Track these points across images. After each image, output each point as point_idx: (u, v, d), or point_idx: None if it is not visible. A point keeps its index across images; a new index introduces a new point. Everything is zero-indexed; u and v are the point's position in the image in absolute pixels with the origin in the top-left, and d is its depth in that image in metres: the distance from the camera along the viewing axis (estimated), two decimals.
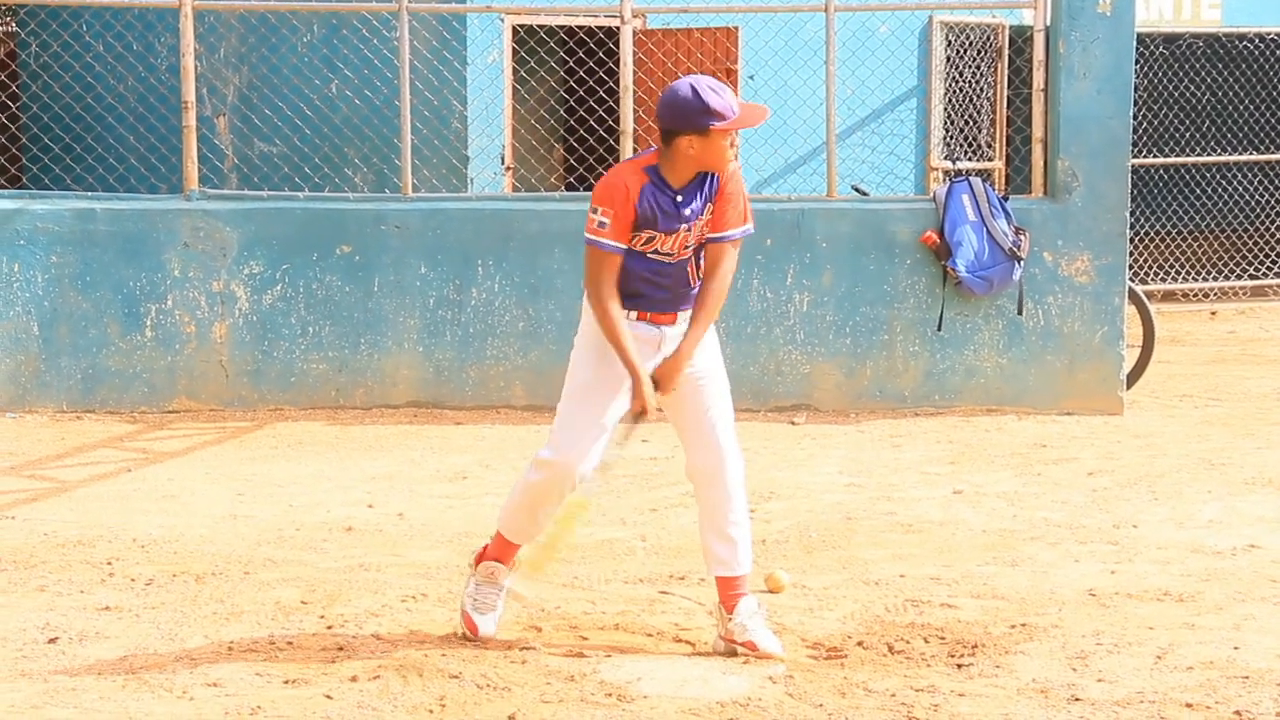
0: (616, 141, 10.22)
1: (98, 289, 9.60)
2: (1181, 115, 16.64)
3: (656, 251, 5.13)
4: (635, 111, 9.96)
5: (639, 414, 5.12)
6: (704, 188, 5.12)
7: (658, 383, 5.14)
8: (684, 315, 5.22)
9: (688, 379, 5.21)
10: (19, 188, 13.95)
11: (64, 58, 12.95)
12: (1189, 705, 4.72)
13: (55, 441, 8.95)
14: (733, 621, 5.22)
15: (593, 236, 5.07)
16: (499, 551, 5.37)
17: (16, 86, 14.84)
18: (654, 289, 5.18)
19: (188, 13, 9.72)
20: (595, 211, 5.06)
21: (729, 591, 5.25)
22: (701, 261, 5.20)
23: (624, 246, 5.07)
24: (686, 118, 4.98)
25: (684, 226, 5.11)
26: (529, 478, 5.24)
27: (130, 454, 8.70)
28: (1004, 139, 14.19)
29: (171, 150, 12.13)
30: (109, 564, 6.34)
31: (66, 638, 5.38)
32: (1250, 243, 16.61)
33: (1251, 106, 16.81)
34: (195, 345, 9.65)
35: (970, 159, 13.82)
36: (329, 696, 4.80)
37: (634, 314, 5.18)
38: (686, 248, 5.15)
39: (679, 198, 5.09)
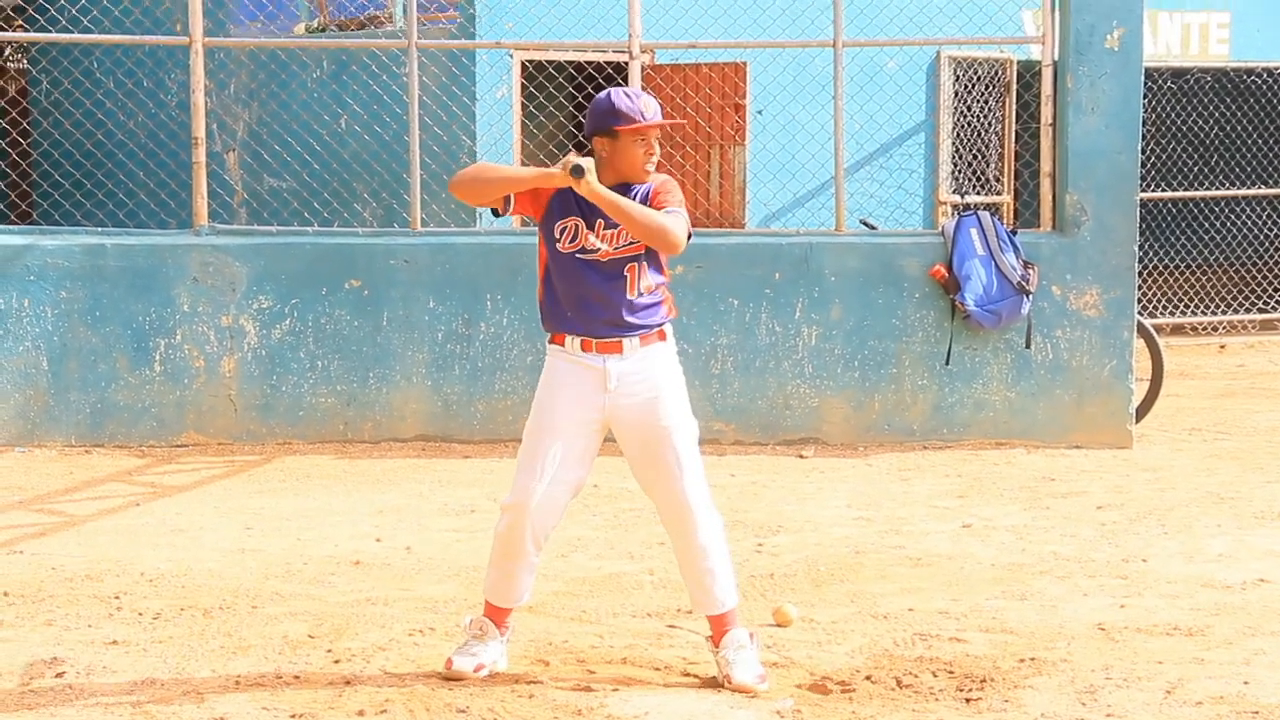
0: None
1: (107, 324, 9.62)
2: (1189, 149, 16.66)
3: (584, 250, 5.12)
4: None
5: (566, 169, 5.01)
6: (631, 195, 5.12)
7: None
8: (630, 345, 5.16)
9: (650, 427, 5.18)
10: (29, 224, 13.99)
11: (75, 94, 13.00)
12: None
13: (64, 476, 8.96)
14: (719, 655, 5.25)
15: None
16: (491, 611, 5.37)
17: (28, 123, 14.90)
18: (590, 305, 5.14)
19: (198, 50, 9.76)
20: None
21: (717, 627, 5.30)
22: (641, 279, 5.17)
23: (509, 196, 5.11)
24: (596, 119, 5.15)
25: (600, 222, 5.10)
26: (496, 528, 5.30)
27: (139, 488, 8.70)
28: (1012, 173, 14.21)
29: (181, 186, 12.17)
30: (117, 598, 6.34)
31: (74, 671, 5.38)
32: (1259, 276, 16.61)
33: (1260, 140, 16.83)
34: (204, 379, 9.66)
35: (978, 193, 13.84)
36: None
37: (577, 342, 5.17)
38: (617, 247, 5.12)
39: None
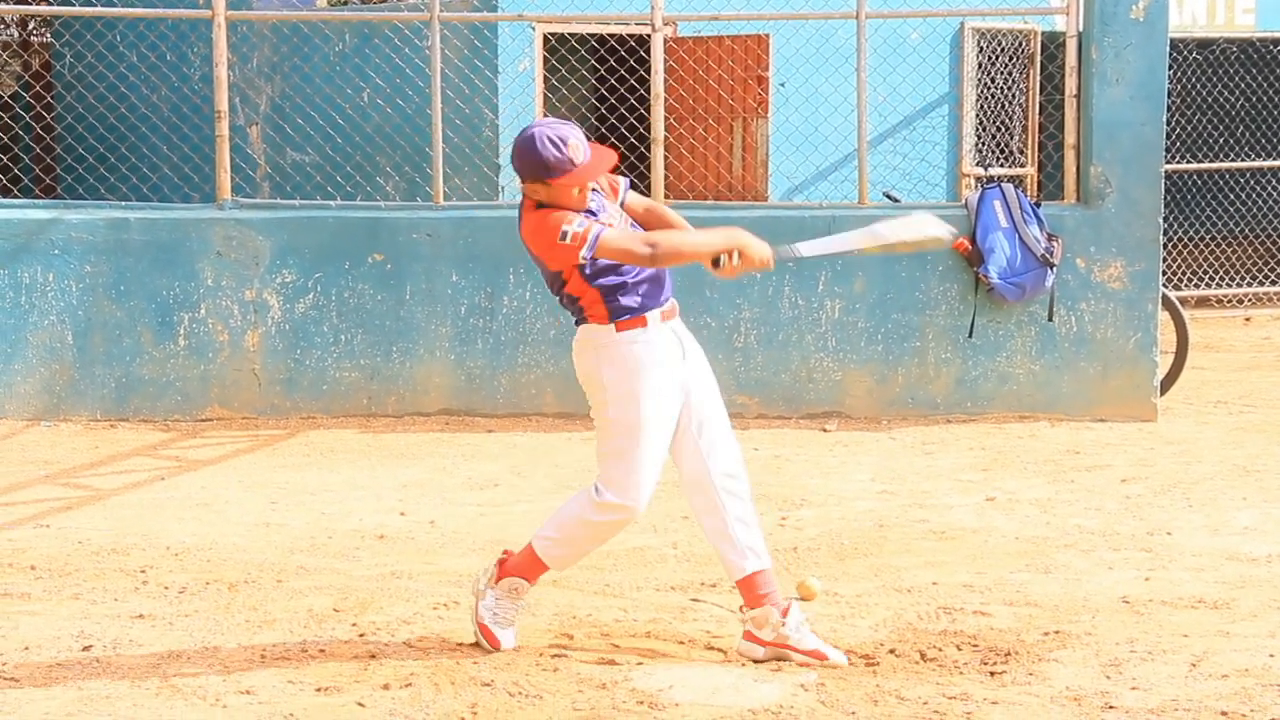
0: (648, 149, 10.22)
1: (131, 298, 9.65)
2: (1215, 120, 16.57)
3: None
4: (666, 119, 9.97)
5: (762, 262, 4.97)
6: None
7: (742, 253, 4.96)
8: (674, 305, 5.18)
9: (708, 381, 5.21)
10: (53, 198, 14.03)
11: (98, 68, 13.02)
12: (1224, 714, 4.69)
13: (89, 450, 8.99)
14: (784, 628, 5.18)
15: (586, 237, 4.96)
16: (527, 569, 5.29)
17: (51, 97, 14.93)
18: (660, 275, 5.14)
19: (221, 23, 9.76)
20: (569, 223, 4.97)
21: (755, 592, 5.21)
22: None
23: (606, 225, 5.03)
24: (527, 168, 4.99)
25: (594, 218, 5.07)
26: (593, 518, 5.16)
27: (164, 462, 8.73)
28: (1036, 145, 14.14)
29: (204, 159, 12.19)
30: (143, 572, 6.36)
31: (100, 645, 5.40)
32: None
33: None
34: (228, 354, 9.69)
35: (1002, 165, 13.79)
36: (361, 704, 4.80)
37: (657, 314, 5.12)
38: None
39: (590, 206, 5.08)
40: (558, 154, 4.94)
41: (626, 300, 5.07)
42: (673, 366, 5.13)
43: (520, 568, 5.30)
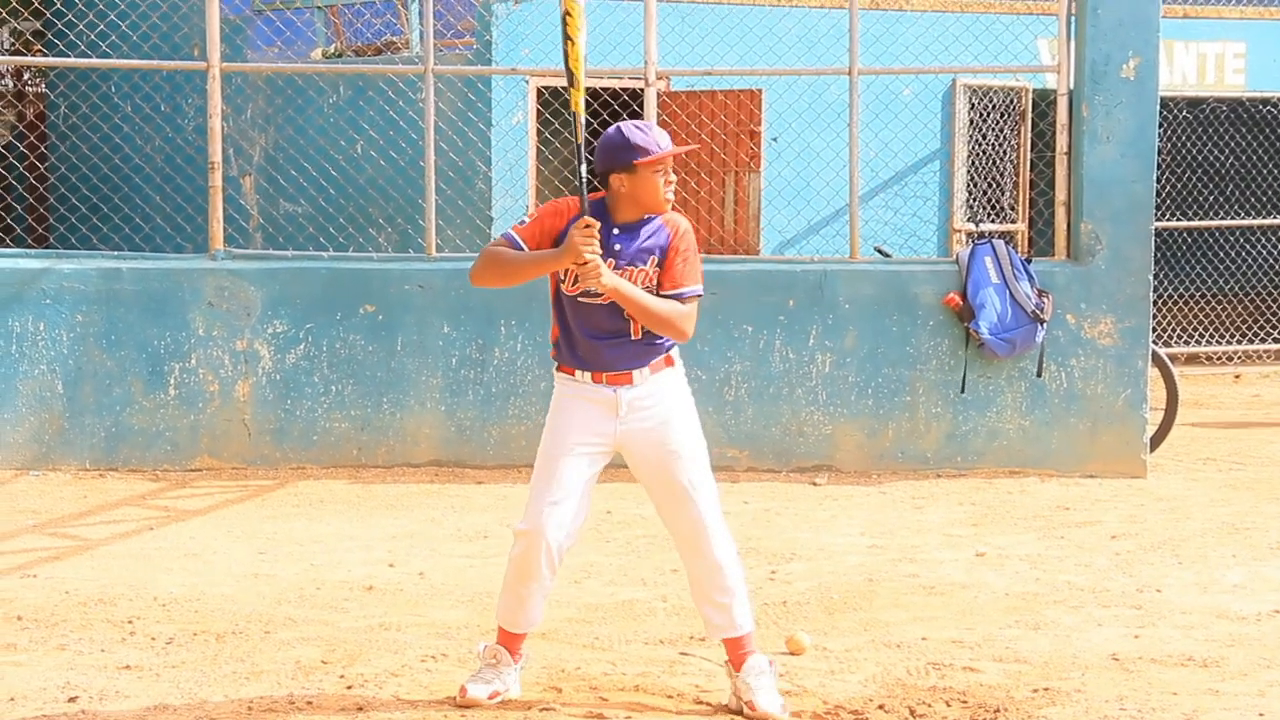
0: None
1: (122, 347, 9.65)
2: (1205, 179, 16.65)
3: (586, 294, 5.13)
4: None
5: (581, 265, 5.03)
6: (646, 237, 5.16)
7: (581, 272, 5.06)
8: (640, 375, 5.20)
9: (661, 449, 5.20)
10: (46, 247, 14.05)
11: (92, 119, 13.06)
12: None
13: (78, 499, 8.97)
14: (739, 679, 5.22)
15: (504, 233, 5.24)
16: (504, 638, 5.36)
17: (45, 147, 14.97)
18: (598, 342, 5.17)
19: (215, 75, 9.80)
20: (522, 221, 5.25)
21: (735, 651, 5.27)
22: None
23: (520, 241, 5.15)
24: (612, 155, 5.14)
25: (610, 260, 5.12)
26: (511, 553, 5.29)
27: (152, 512, 8.71)
28: (1027, 201, 14.21)
29: (197, 210, 12.21)
30: (130, 622, 6.34)
31: (86, 696, 5.37)
32: (1275, 306, 16.57)
33: (1275, 170, 16.81)
34: (218, 404, 9.68)
35: (993, 221, 13.84)
36: None
37: (587, 375, 5.21)
38: None
39: (615, 230, 5.15)
40: (643, 135, 5.12)
41: (560, 343, 5.27)
42: (588, 421, 5.20)
43: (500, 635, 5.38)
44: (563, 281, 5.19)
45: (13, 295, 9.57)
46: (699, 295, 5.20)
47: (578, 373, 5.23)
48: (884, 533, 8.19)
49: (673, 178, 5.22)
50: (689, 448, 5.23)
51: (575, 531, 5.26)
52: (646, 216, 5.19)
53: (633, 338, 5.19)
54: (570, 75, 5.29)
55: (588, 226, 5.02)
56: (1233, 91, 15.69)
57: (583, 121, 5.25)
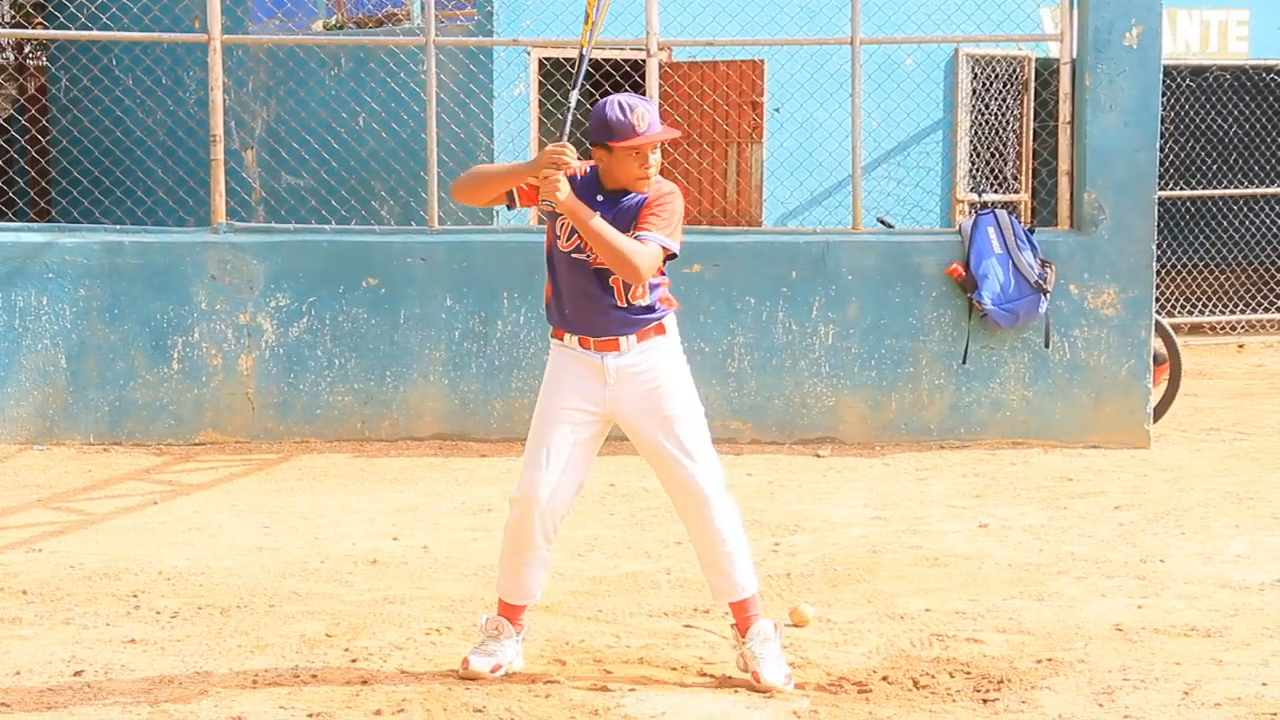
0: None
1: (125, 322, 9.64)
2: (1208, 148, 16.61)
3: (579, 249, 5.13)
4: (661, 144, 9.97)
5: (544, 178, 5.02)
6: (627, 205, 5.12)
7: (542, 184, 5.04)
8: (627, 342, 5.18)
9: (654, 418, 5.18)
10: (48, 221, 14.04)
11: (94, 92, 13.04)
12: None
13: (82, 474, 8.98)
14: (745, 646, 5.23)
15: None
16: (504, 609, 5.37)
17: (47, 121, 14.94)
18: (586, 304, 5.16)
19: (216, 47, 9.78)
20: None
21: (741, 615, 5.27)
22: (629, 289, 5.15)
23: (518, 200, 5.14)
24: (592, 130, 5.13)
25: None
26: (506, 522, 5.30)
27: (157, 486, 8.72)
28: (1030, 171, 14.18)
29: (199, 183, 12.20)
30: (135, 596, 6.35)
31: (92, 670, 5.39)
32: (1278, 275, 16.56)
33: (1279, 138, 16.77)
34: (222, 378, 9.68)
35: (996, 191, 13.82)
36: None
37: (575, 339, 5.21)
38: None
39: (599, 197, 5.13)
40: (620, 117, 5.05)
41: (551, 305, 5.28)
42: (579, 386, 5.20)
43: (501, 607, 5.39)
44: (558, 237, 5.17)
45: (15, 269, 9.56)
46: (665, 248, 5.09)
47: (567, 336, 5.24)
48: (887, 504, 8.19)
49: (654, 159, 5.16)
50: (682, 415, 5.21)
51: (570, 499, 5.25)
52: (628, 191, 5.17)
53: (617, 304, 5.16)
54: (586, 16, 5.26)
55: (562, 146, 5.01)
56: (1236, 59, 15.65)
57: (587, 57, 5.22)
